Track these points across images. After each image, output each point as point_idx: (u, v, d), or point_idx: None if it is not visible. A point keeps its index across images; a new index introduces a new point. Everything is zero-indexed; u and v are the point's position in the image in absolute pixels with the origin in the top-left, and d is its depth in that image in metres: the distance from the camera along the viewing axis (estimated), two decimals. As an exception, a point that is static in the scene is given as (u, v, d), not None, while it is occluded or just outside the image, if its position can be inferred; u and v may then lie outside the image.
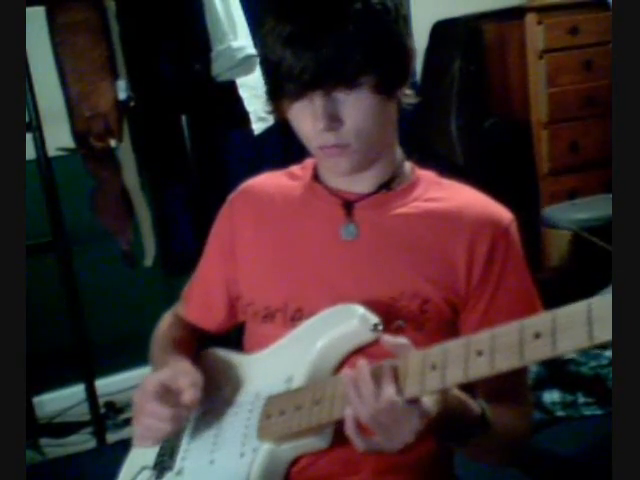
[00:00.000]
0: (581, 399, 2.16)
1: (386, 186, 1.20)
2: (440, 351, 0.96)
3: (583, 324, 0.84)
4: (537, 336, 0.87)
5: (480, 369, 0.92)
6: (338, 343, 1.13)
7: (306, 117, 1.10)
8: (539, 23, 3.26)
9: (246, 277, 1.27)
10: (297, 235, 1.23)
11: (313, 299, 1.17)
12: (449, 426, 1.02)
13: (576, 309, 0.86)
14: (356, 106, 1.09)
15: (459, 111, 3.32)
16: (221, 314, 1.34)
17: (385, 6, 1.08)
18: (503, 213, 1.20)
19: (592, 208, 3.03)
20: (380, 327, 1.10)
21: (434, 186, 1.22)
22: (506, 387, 1.13)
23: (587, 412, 2.11)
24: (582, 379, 2.23)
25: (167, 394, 1.15)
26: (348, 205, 1.20)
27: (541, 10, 3.29)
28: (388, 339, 1.01)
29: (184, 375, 1.17)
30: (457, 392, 1.02)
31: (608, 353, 2.27)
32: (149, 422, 1.16)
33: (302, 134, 1.14)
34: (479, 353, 0.92)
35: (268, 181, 1.32)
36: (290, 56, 1.06)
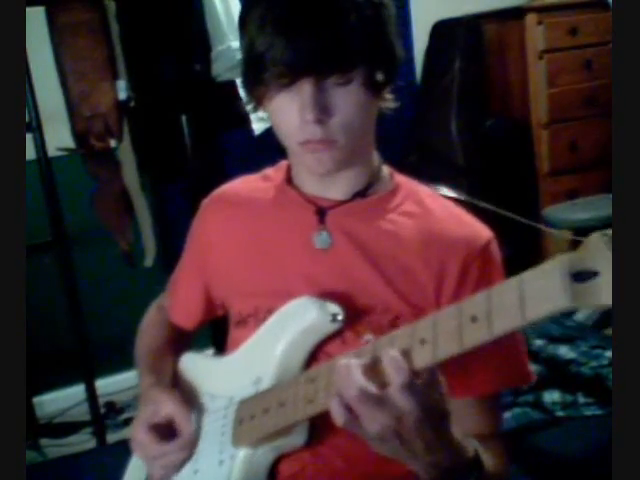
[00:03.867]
0: (581, 399, 2.16)
1: (361, 193, 1.16)
2: (388, 341, 0.92)
3: (516, 303, 0.80)
4: (474, 320, 0.84)
5: (424, 358, 0.88)
6: (300, 338, 1.10)
7: (292, 108, 1.05)
8: (539, 23, 3.26)
9: (220, 283, 1.27)
10: (268, 240, 1.20)
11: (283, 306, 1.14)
12: (443, 448, 0.94)
13: (508, 287, 0.82)
14: (346, 99, 1.05)
15: (459, 111, 3.32)
16: (199, 316, 1.35)
17: (383, 2, 1.07)
18: (479, 232, 1.14)
19: (592, 208, 3.03)
20: (340, 317, 1.07)
21: (412, 197, 1.18)
22: (483, 431, 1.10)
23: (587, 412, 2.11)
24: (582, 379, 2.23)
25: (160, 429, 1.16)
26: (321, 212, 1.16)
27: (541, 10, 3.29)
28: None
29: (167, 405, 1.16)
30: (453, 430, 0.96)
31: (608, 353, 2.28)
32: (165, 461, 1.17)
33: (284, 127, 1.09)
34: (422, 342, 0.88)
35: (242, 185, 1.30)
36: (282, 41, 1.01)
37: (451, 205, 1.19)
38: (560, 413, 2.13)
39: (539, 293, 0.79)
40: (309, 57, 1.01)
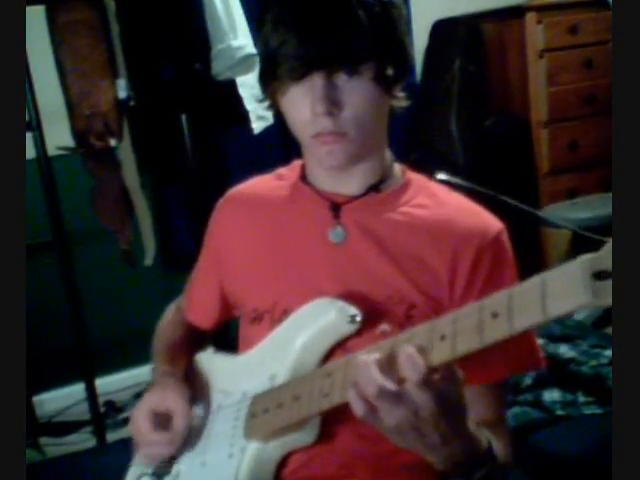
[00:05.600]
0: (581, 398, 2.16)
1: (374, 188, 1.19)
2: (408, 337, 0.95)
3: (537, 300, 0.83)
4: (495, 316, 0.87)
5: (443, 353, 0.90)
6: (318, 337, 1.12)
7: (304, 102, 1.09)
8: (539, 22, 3.26)
9: (236, 280, 1.28)
10: (284, 236, 1.23)
11: (300, 301, 1.16)
12: (462, 453, 0.97)
13: (530, 285, 0.85)
14: (356, 93, 1.08)
15: (459, 110, 3.32)
16: (216, 315, 1.37)
17: (392, 1, 1.12)
18: (491, 223, 1.18)
19: (592, 207, 3.03)
20: (358, 318, 1.10)
21: (424, 191, 1.21)
22: (489, 419, 1.13)
23: (587, 411, 2.11)
24: (582, 378, 2.23)
25: (159, 418, 1.19)
26: (336, 207, 1.19)
27: (541, 9, 3.29)
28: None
29: (172, 398, 1.20)
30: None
31: (608, 352, 2.27)
32: (151, 450, 1.21)
33: (297, 121, 1.12)
34: (442, 337, 0.91)
35: (256, 184, 1.32)
36: (294, 37, 1.06)
37: (462, 198, 1.22)
38: (560, 412, 2.13)
39: (561, 290, 0.82)
40: (319, 51, 1.05)
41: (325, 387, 1.03)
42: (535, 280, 0.85)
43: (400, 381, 0.90)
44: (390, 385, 0.89)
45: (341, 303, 1.11)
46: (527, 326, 0.85)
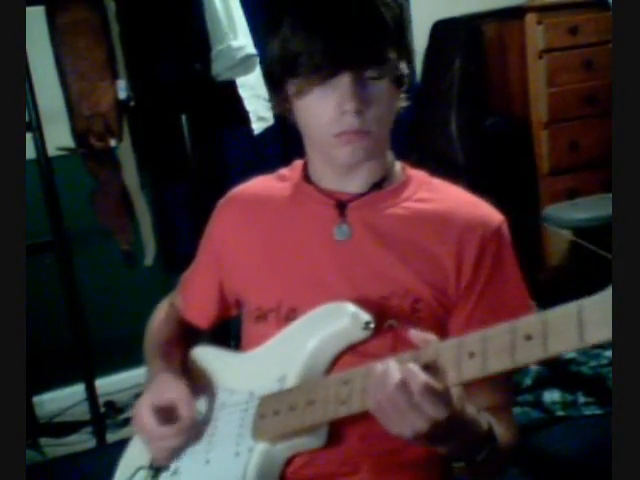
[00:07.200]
0: (581, 399, 2.17)
1: (377, 186, 1.21)
2: (433, 352, 0.96)
3: (574, 326, 0.84)
4: (528, 338, 0.88)
5: (473, 371, 0.92)
6: (330, 342, 1.13)
7: (327, 102, 1.10)
8: (539, 23, 3.26)
9: (238, 279, 1.28)
10: (289, 236, 1.23)
11: (307, 299, 1.17)
12: (461, 434, 1.00)
13: (567, 311, 0.86)
14: (380, 92, 1.11)
15: (459, 111, 3.32)
16: (214, 314, 1.37)
17: (403, 2, 1.16)
18: (493, 214, 1.19)
19: (592, 208, 3.03)
20: (372, 325, 1.10)
21: (425, 186, 1.23)
22: (495, 404, 1.14)
23: (587, 412, 2.12)
24: (582, 379, 2.24)
25: (162, 412, 1.18)
26: (341, 205, 1.20)
27: (541, 10, 3.29)
28: (417, 333, 0.99)
29: (173, 389, 1.20)
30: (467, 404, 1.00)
31: (608, 353, 2.28)
32: (163, 444, 1.20)
33: (318, 121, 1.12)
34: (471, 355, 0.92)
35: (257, 185, 1.33)
36: (322, 37, 1.07)
37: (463, 191, 1.24)
38: (560, 413, 2.13)
39: (599, 318, 0.82)
40: (348, 50, 1.07)
41: (342, 395, 1.04)
42: (572, 306, 0.85)
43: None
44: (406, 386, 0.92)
45: (354, 308, 1.11)
46: (562, 351, 0.86)
